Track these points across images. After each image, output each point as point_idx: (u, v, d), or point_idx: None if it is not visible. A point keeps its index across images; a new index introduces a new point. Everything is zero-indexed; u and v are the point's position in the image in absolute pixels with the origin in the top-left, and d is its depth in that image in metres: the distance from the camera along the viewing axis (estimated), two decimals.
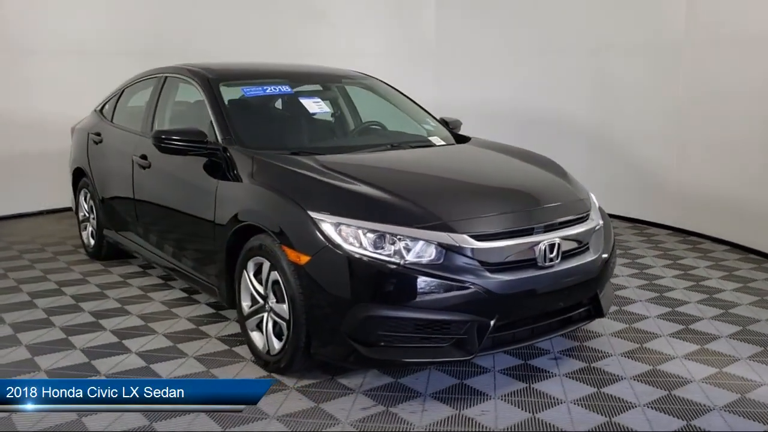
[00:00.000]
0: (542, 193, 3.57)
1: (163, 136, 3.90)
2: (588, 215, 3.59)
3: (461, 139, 4.54)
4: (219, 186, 3.77)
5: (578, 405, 3.16)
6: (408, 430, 2.95)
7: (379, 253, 3.05)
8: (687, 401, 3.20)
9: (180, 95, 4.78)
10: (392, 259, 3.03)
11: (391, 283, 3.02)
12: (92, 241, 5.64)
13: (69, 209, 7.65)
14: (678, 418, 3.04)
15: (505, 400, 3.21)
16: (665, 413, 3.08)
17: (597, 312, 3.61)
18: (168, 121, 4.66)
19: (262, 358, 3.53)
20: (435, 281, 3.02)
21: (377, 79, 5.08)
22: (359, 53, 7.84)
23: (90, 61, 7.42)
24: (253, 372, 3.52)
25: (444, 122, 4.82)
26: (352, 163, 3.69)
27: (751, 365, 3.61)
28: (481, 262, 3.10)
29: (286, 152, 3.84)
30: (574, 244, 3.44)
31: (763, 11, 5.63)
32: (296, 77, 4.67)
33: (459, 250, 3.08)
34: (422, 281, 3.02)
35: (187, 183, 4.07)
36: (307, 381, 3.40)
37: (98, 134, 5.36)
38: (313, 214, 3.18)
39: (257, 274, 3.55)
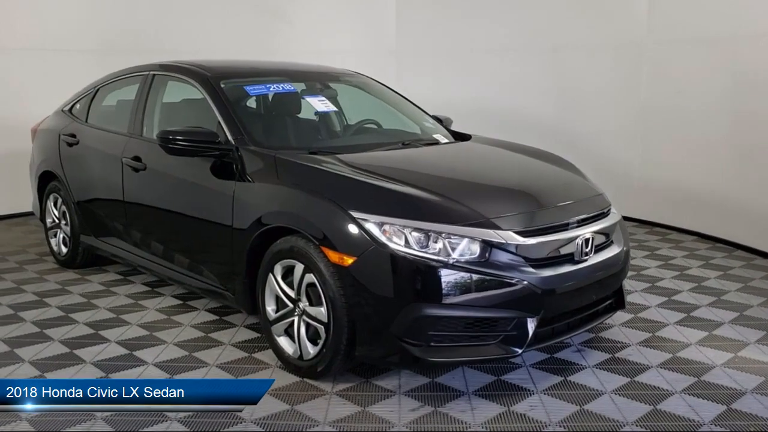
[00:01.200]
0: (570, 189, 3.64)
1: (171, 137, 3.75)
2: (610, 209, 3.67)
3: (460, 136, 4.54)
4: (237, 188, 3.64)
5: (619, 395, 3.23)
6: (464, 429, 2.94)
7: (426, 252, 3.03)
8: (718, 386, 3.32)
9: (169, 94, 4.60)
10: (441, 258, 3.01)
11: (442, 281, 3.00)
12: (64, 249, 5.35)
13: (14, 216, 7.29)
14: (717, 402, 3.15)
15: (548, 394, 3.24)
16: (703, 399, 3.19)
17: (619, 304, 3.70)
18: (161, 122, 4.47)
19: (292, 364, 3.44)
20: (485, 278, 3.02)
21: (370, 78, 5.03)
22: (319, 51, 7.72)
23: (33, 58, 7.05)
24: (283, 378, 3.42)
25: (438, 120, 4.82)
26: (378, 162, 3.63)
27: (761, 348, 3.78)
28: (525, 258, 3.13)
29: (303, 152, 3.76)
30: (602, 238, 3.51)
31: (723, 12, 5.90)
32: (295, 75, 4.56)
33: (503, 247, 3.09)
34: (472, 279, 3.01)
35: (194, 185, 3.91)
36: (343, 385, 3.34)
37: (72, 135, 5.08)
38: (356, 214, 3.11)
39: (285, 277, 3.45)
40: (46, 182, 5.48)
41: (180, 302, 4.54)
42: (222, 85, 4.13)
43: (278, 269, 3.45)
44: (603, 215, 3.57)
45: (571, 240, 3.28)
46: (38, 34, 7.13)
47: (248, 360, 3.65)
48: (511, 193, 3.45)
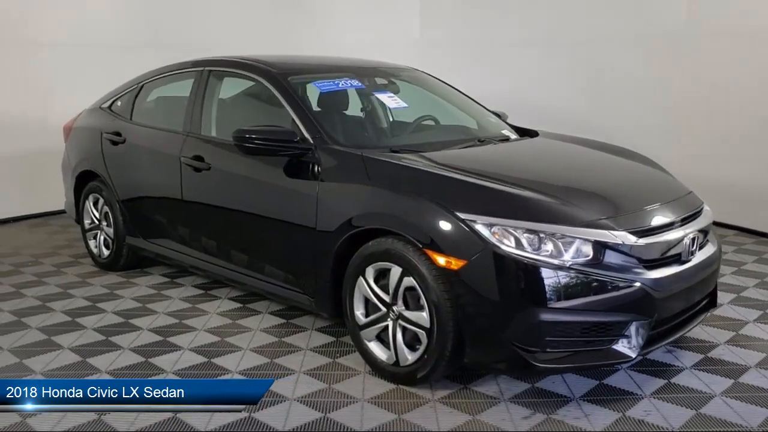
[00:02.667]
0: (668, 188, 3.56)
1: (248, 136, 3.60)
2: (704, 207, 3.59)
3: (526, 132, 4.42)
4: (320, 189, 3.51)
5: (731, 398, 3.14)
6: None
7: (540, 254, 2.92)
8: None
9: (225, 91, 4.44)
10: (556, 260, 2.90)
11: (559, 285, 2.89)
12: (105, 251, 5.16)
13: (32, 216, 7.05)
14: None
15: (658, 398, 3.15)
16: None
17: (712, 303, 3.62)
18: (221, 119, 4.31)
19: (387, 370, 3.32)
20: (601, 281, 2.92)
21: (425, 72, 4.90)
22: (342, 46, 7.54)
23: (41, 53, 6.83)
24: (378, 385, 3.30)
25: (496, 115, 4.71)
26: (467, 161, 3.52)
27: (761, 327, 3.98)
28: (638, 259, 3.03)
29: (385, 150, 3.63)
30: (701, 237, 3.43)
31: (763, 4, 5.84)
32: (358, 71, 4.42)
33: (618, 248, 2.99)
34: (588, 281, 2.91)
35: (269, 185, 3.77)
36: (443, 392, 3.22)
37: (117, 134, 4.89)
38: (463, 215, 2.99)
39: (376, 280, 3.33)
40: (83, 182, 5.29)
41: (239, 305, 4.39)
42: (290, 82, 3.99)
43: (370, 272, 3.32)
44: (699, 213, 3.49)
45: (680, 240, 3.19)
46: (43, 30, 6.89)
47: (333, 366, 3.52)
48: (616, 192, 3.34)
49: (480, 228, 2.95)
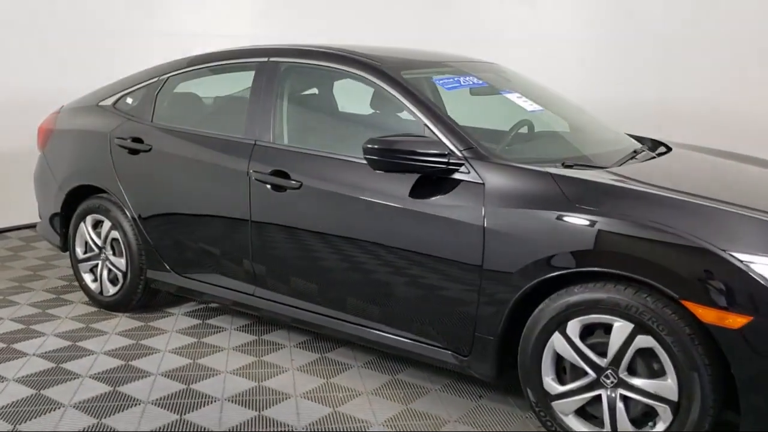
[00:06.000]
0: None
1: (387, 148, 2.76)
2: None
3: (653, 143, 3.73)
4: (488, 215, 2.70)
5: None
6: None
7: None
8: None
9: (305, 89, 3.55)
10: None
11: None
12: (111, 287, 4.07)
13: None
14: None
15: None
16: None
17: None
18: (313, 127, 3.42)
19: None
20: None
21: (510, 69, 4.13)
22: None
23: None
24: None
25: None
26: (691, 182, 2.86)
27: None
28: None
29: (555, 164, 2.87)
30: None
31: None
32: (474, 67, 3.62)
33: None
34: None
35: (400, 210, 2.90)
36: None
37: (137, 140, 3.84)
38: (740, 256, 2.29)
39: (583, 336, 2.57)
40: (75, 199, 4.18)
41: (316, 355, 3.49)
42: (407, 79, 3.15)
43: (574, 327, 2.56)
44: None
45: None
46: None
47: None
48: None
49: (764, 271, 2.26)
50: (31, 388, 3.13)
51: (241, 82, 3.75)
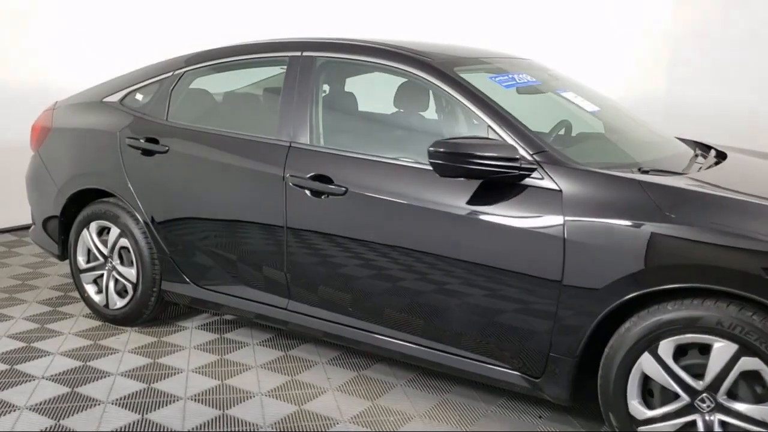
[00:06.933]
0: None
1: (454, 151, 2.53)
2: None
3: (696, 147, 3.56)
4: (569, 226, 2.49)
5: None
6: None
7: None
8: None
9: (346, 86, 3.29)
10: None
11: None
12: (118, 300, 3.75)
13: None
14: None
15: None
16: None
17: None
18: (358, 128, 3.17)
19: None
20: None
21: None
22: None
23: None
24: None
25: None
26: (760, 185, 2.67)
27: None
28: None
29: (632, 170, 2.67)
30: None
31: None
32: (516, 64, 3.40)
33: None
34: None
35: (464, 219, 2.68)
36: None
37: (152, 140, 3.53)
38: None
39: (677, 357, 2.38)
40: (77, 203, 3.84)
41: (350, 375, 3.24)
42: (462, 76, 2.92)
43: (666, 348, 2.36)
44: None
45: None
46: None
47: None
48: None
49: None
50: (48, 417, 2.81)
51: (262, 77, 3.49)
